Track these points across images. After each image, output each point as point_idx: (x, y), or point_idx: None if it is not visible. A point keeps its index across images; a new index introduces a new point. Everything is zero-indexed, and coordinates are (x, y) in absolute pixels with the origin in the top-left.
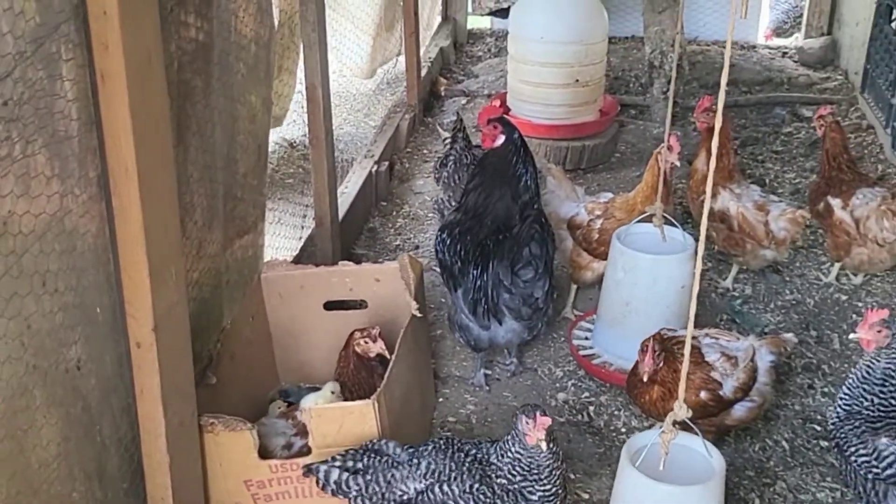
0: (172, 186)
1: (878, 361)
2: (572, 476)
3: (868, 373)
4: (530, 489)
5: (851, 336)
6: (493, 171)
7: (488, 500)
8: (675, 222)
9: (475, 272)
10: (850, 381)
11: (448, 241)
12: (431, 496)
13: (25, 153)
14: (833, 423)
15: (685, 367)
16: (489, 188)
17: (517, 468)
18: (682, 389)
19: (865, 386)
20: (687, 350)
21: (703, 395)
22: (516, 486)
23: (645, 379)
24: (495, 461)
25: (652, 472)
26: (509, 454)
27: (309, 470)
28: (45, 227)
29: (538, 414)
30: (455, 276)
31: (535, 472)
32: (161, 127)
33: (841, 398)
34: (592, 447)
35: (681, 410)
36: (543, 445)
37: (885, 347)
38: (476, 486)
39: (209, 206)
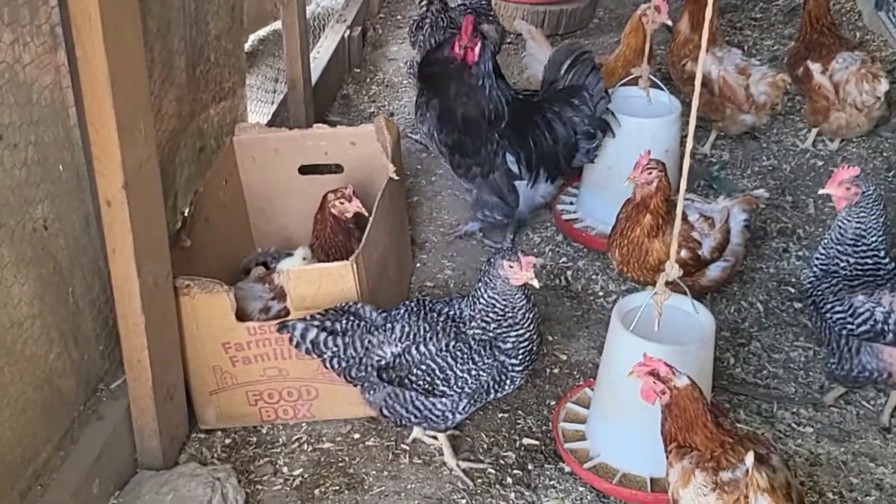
0: (138, 37)
1: (849, 221)
2: (550, 338)
3: (841, 234)
4: (504, 336)
5: (821, 191)
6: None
7: (465, 356)
8: (661, 85)
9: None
10: (825, 241)
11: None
12: (409, 358)
13: None
14: (809, 282)
15: (677, 226)
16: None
17: (490, 315)
18: (673, 248)
19: (839, 247)
20: (679, 209)
21: (683, 253)
22: (490, 334)
23: (637, 197)
24: (468, 312)
25: (643, 334)
26: (482, 301)
27: (284, 326)
28: None
29: (521, 254)
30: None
31: (510, 315)
32: None
33: (817, 258)
34: (570, 310)
35: (672, 270)
36: (536, 283)
37: (854, 206)
38: (452, 343)
39: (169, 64)
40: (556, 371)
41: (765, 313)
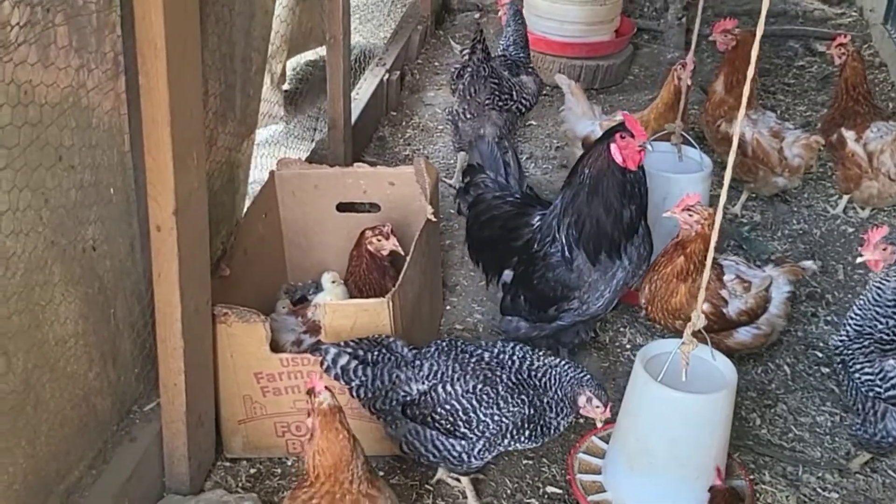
0: (198, 68)
1: (888, 282)
2: None
3: (879, 294)
4: (551, 421)
5: (859, 259)
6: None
7: (491, 400)
8: (693, 142)
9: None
10: (861, 302)
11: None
12: (434, 396)
13: (46, 21)
14: (840, 341)
15: (705, 277)
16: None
17: (557, 409)
18: (700, 298)
19: (878, 308)
20: (708, 262)
21: (706, 306)
22: (546, 413)
23: (679, 237)
24: (534, 382)
25: (668, 382)
26: (554, 392)
27: (317, 349)
28: (62, 99)
29: (605, 402)
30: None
31: (565, 413)
32: (189, 5)
33: (851, 317)
34: (597, 361)
35: (698, 321)
36: (599, 424)
37: (893, 265)
38: (479, 386)
39: (224, 97)
40: (581, 421)
41: (792, 376)
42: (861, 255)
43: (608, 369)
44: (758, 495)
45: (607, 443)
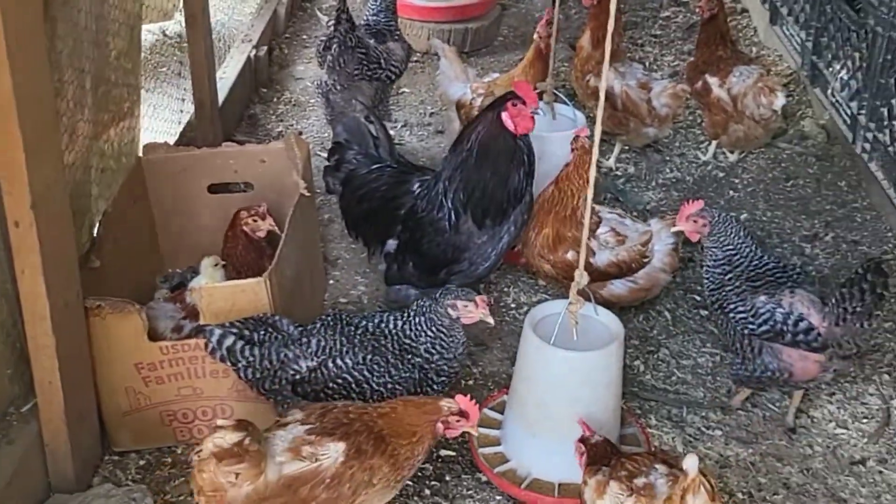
0: (44, 56)
1: (716, 249)
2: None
3: (714, 260)
4: (442, 366)
5: (673, 229)
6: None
7: (382, 369)
8: (565, 99)
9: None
10: (707, 264)
11: None
12: (325, 371)
13: None
14: (709, 290)
15: (585, 233)
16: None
17: (437, 346)
18: (582, 256)
19: (725, 266)
20: (587, 217)
21: (569, 254)
22: (433, 364)
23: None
24: (408, 337)
25: (557, 342)
26: (427, 334)
27: (201, 329)
28: None
29: (477, 297)
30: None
31: (453, 347)
32: None
33: (706, 272)
34: (482, 322)
35: (582, 279)
36: (490, 320)
37: (711, 235)
38: (369, 357)
39: (80, 85)
40: (470, 383)
41: (672, 321)
42: (675, 226)
43: (494, 330)
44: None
45: (501, 413)
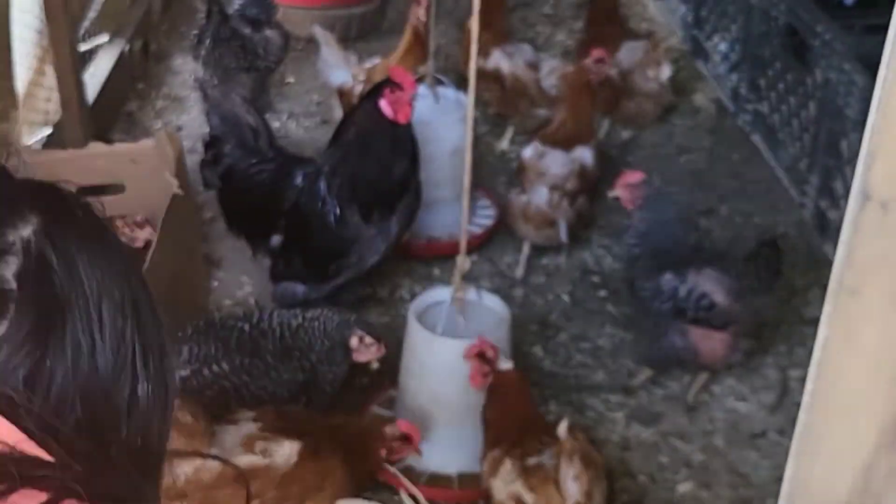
0: None
1: (642, 223)
2: None
3: (636, 235)
4: (325, 375)
5: (610, 194)
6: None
7: (261, 372)
8: (446, 81)
9: None
10: (631, 235)
11: None
12: (200, 379)
13: None
14: (624, 263)
15: (464, 222)
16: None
17: (328, 360)
18: (463, 243)
19: (642, 242)
20: (463, 219)
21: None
22: (321, 370)
23: None
24: (301, 340)
25: (443, 330)
26: (323, 343)
27: None
28: None
29: (376, 339)
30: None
31: (339, 360)
32: None
33: (629, 243)
34: (377, 317)
35: (465, 262)
36: (376, 365)
37: (641, 209)
38: (247, 360)
39: None
40: (365, 381)
41: (571, 304)
42: (611, 191)
43: (389, 324)
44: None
45: (390, 409)
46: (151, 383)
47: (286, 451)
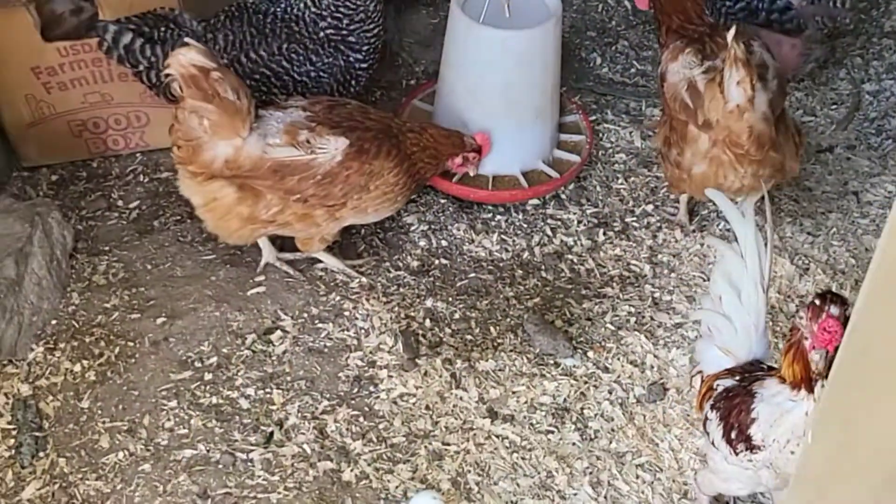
0: None
1: None
2: (406, 50)
3: None
4: (354, 31)
5: None
6: None
7: (302, 57)
8: None
9: None
10: None
11: None
12: (238, 68)
13: None
14: None
15: None
16: None
17: (342, 10)
18: None
19: None
20: None
21: None
22: (343, 31)
23: None
24: (311, 12)
25: (485, 20)
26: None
27: (93, 27)
28: None
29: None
30: None
31: (363, 9)
32: None
33: None
34: (426, 18)
35: None
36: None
37: None
38: (285, 45)
39: None
40: (412, 83)
41: (632, 10)
42: None
43: (437, 25)
44: (601, 135)
45: (431, 104)
46: None
47: (332, 148)
